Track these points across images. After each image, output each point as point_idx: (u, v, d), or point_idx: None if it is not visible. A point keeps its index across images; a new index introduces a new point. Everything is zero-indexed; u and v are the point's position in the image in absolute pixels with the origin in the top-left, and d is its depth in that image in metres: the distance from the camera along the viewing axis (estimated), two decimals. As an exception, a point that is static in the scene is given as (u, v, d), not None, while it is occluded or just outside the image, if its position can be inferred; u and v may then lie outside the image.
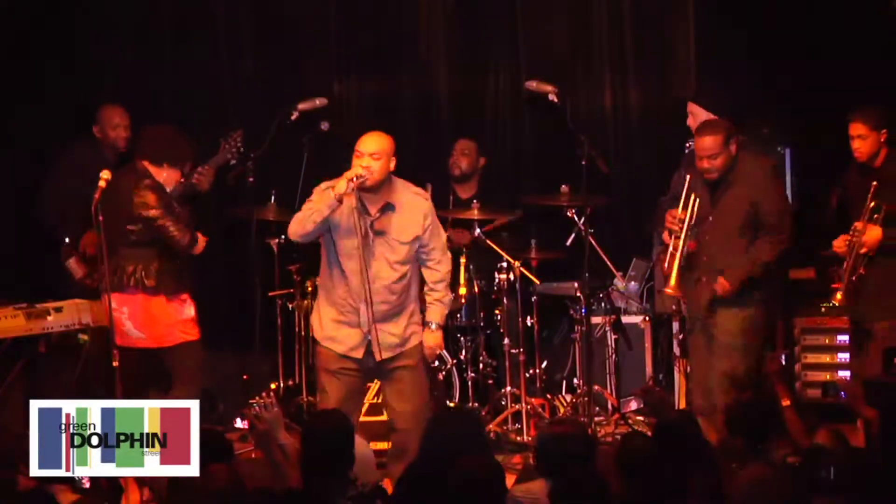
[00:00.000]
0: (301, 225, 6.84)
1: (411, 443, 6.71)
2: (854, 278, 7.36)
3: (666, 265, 7.34)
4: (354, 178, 6.72)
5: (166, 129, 7.72)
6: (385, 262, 6.88)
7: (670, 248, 7.33)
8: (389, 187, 6.90)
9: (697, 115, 7.58)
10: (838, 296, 7.42)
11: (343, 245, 6.87)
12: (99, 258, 6.79)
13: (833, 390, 8.19)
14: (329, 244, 6.93)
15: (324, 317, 7.01)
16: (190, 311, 7.51)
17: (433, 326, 7.04)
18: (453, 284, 8.50)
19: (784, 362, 6.80)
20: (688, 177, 7.39)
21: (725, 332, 7.30)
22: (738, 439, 5.70)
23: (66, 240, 8.29)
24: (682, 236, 7.31)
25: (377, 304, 6.85)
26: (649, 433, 6.55)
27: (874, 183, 7.33)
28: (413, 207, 6.95)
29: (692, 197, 7.32)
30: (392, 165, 6.86)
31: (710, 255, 7.36)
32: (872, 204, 7.32)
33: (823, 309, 8.56)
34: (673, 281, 7.30)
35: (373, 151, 6.80)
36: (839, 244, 7.48)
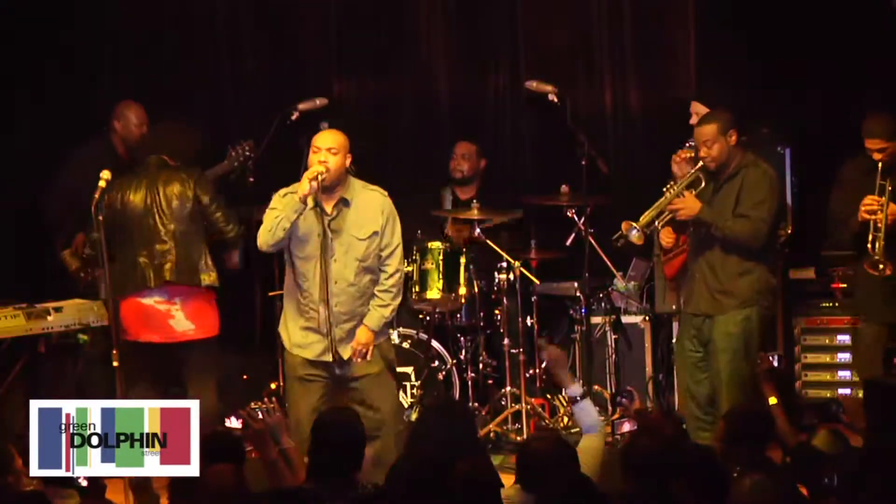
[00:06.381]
0: (271, 234, 6.79)
1: (385, 451, 6.64)
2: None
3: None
4: (317, 177, 6.71)
5: (178, 124, 7.76)
6: (343, 261, 6.84)
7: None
8: (345, 185, 6.88)
9: (702, 114, 7.55)
10: (880, 266, 7.10)
11: (301, 248, 6.84)
12: (99, 258, 6.78)
13: (836, 406, 8.19)
14: (287, 249, 6.89)
15: (290, 325, 6.98)
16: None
17: (367, 328, 6.88)
18: (453, 284, 8.51)
19: (775, 363, 6.72)
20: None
21: (724, 335, 7.26)
22: (740, 447, 5.66)
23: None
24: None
25: (338, 306, 6.82)
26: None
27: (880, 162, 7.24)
28: (370, 203, 6.91)
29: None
30: (347, 162, 6.85)
31: (712, 250, 7.32)
32: (887, 182, 7.19)
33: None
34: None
35: (330, 146, 6.81)
36: (870, 204, 7.26)
